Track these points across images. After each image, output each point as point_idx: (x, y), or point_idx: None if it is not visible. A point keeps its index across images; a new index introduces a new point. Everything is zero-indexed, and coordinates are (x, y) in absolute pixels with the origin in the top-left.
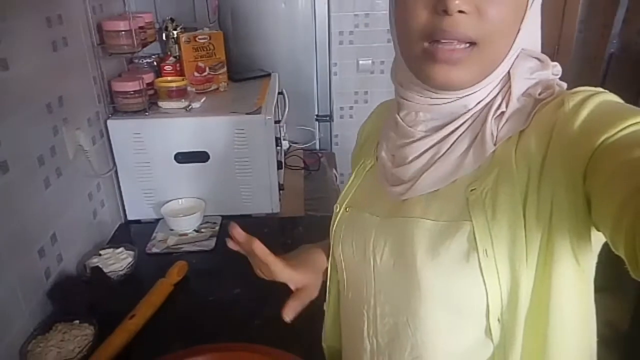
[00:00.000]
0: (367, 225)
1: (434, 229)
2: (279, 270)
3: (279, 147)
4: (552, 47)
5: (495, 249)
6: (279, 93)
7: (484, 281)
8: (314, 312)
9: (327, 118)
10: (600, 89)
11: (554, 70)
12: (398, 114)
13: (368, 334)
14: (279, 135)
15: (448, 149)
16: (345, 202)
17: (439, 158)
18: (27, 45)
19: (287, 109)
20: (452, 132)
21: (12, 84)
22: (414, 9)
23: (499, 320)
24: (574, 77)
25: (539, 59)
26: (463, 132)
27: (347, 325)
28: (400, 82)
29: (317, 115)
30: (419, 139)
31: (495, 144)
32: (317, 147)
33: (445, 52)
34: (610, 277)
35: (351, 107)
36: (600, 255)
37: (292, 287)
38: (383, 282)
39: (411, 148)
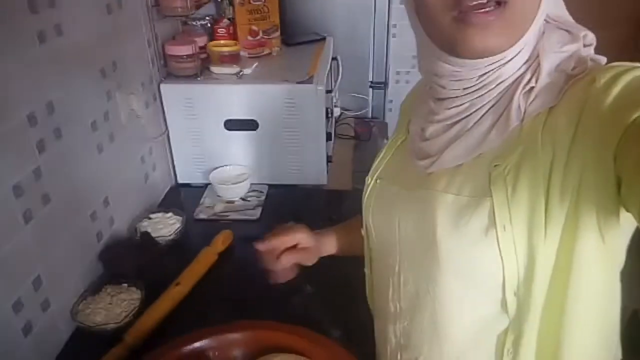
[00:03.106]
0: (394, 197)
1: (456, 203)
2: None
3: (329, 117)
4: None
5: (513, 225)
6: (332, 59)
7: (501, 255)
8: (353, 291)
9: (382, 85)
10: (637, 64)
11: (586, 40)
12: (432, 100)
13: (392, 298)
14: (329, 105)
15: (475, 122)
16: (376, 174)
17: (465, 132)
18: (82, 9)
19: (340, 76)
20: (481, 107)
21: (67, 49)
22: None
23: (515, 294)
24: None
25: (568, 31)
26: (491, 107)
27: (377, 290)
28: (434, 71)
29: (371, 82)
30: (449, 116)
31: (522, 120)
32: (370, 115)
33: (479, 16)
34: None
35: (407, 72)
36: None
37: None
38: (406, 251)
39: (439, 124)
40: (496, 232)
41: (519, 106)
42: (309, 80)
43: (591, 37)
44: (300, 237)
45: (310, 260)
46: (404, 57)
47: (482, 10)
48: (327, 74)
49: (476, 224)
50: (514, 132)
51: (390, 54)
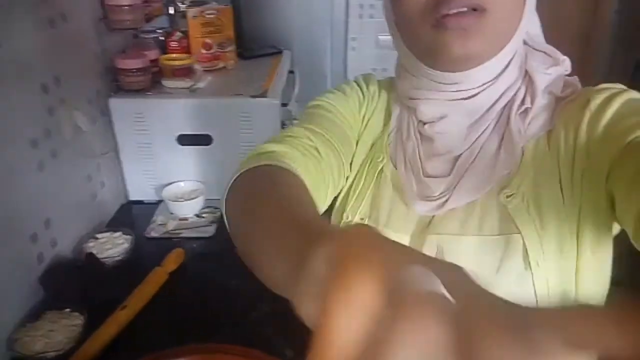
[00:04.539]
0: None
1: (479, 244)
2: None
3: None
4: (584, 30)
5: (545, 259)
6: (289, 72)
7: (535, 294)
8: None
9: None
10: (624, 87)
11: (564, 65)
12: (421, 125)
13: None
14: (286, 119)
15: (478, 152)
16: (359, 212)
17: (470, 165)
18: (20, 22)
19: (296, 89)
20: (483, 131)
21: (2, 63)
22: None
23: None
24: (608, 62)
25: (545, 53)
26: (491, 132)
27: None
28: (416, 86)
29: None
30: (448, 146)
31: (523, 141)
32: None
33: (456, 19)
34: (627, 271)
35: None
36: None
37: None
38: None
39: (439, 158)
40: (530, 269)
41: (519, 128)
42: (264, 94)
43: (568, 64)
44: None
45: None
46: (363, 71)
47: (460, 14)
48: (284, 88)
49: (509, 263)
50: (518, 158)
51: (349, 68)
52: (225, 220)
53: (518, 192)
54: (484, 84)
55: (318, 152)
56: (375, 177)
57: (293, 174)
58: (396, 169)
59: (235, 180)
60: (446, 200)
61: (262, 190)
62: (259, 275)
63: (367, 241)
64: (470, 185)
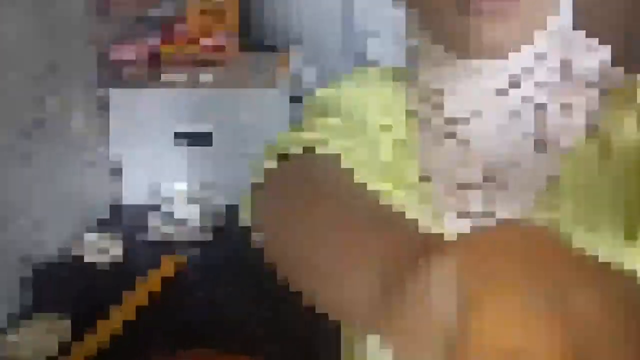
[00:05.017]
0: None
1: None
2: None
3: None
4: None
5: None
6: (297, 67)
7: None
8: (309, 322)
9: None
10: None
11: (604, 53)
12: (449, 124)
13: None
14: (294, 114)
15: (515, 157)
16: None
17: (507, 172)
18: (11, 7)
19: (307, 84)
20: (516, 135)
21: None
22: None
23: None
24: None
25: (584, 42)
26: (527, 134)
27: None
28: (440, 78)
29: None
30: (481, 156)
31: (566, 141)
32: None
33: (486, 2)
34: None
35: None
36: None
37: None
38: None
39: (473, 166)
40: None
41: (559, 128)
42: (269, 87)
43: (608, 52)
44: None
45: None
46: (377, 64)
47: None
48: (292, 81)
49: None
50: (559, 162)
51: (362, 62)
52: (251, 223)
53: (563, 202)
54: (517, 75)
55: (353, 148)
56: (399, 186)
57: (344, 166)
58: (424, 176)
59: (265, 172)
60: (485, 215)
61: (313, 181)
62: (308, 292)
63: (519, 266)
64: (511, 196)
